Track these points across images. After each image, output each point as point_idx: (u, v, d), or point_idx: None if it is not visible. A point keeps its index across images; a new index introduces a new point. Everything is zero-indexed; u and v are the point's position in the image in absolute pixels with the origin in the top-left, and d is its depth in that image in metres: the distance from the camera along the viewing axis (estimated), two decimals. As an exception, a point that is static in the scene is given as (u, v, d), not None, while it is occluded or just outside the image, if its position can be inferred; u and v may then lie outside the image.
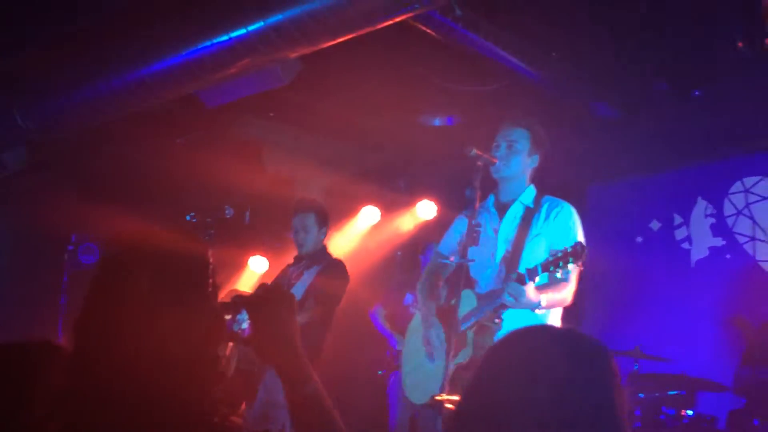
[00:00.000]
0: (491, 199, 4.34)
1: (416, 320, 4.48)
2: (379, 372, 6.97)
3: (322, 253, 5.69)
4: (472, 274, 4.22)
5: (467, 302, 4.01)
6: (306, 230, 5.60)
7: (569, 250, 3.62)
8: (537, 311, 3.83)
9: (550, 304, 3.87)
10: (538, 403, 1.45)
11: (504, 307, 3.85)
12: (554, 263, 3.65)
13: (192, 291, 1.63)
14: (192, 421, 1.55)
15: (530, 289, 3.71)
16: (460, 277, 3.87)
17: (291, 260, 5.76)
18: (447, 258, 4.29)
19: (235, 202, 5.70)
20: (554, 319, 4.07)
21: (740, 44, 4.66)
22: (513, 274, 3.81)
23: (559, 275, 3.72)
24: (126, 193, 6.56)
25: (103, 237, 6.83)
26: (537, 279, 3.71)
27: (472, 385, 1.57)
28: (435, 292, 4.38)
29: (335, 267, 5.61)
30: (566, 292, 3.97)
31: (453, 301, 3.84)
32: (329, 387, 1.73)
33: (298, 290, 5.41)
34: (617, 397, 1.51)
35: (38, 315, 6.51)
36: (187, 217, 5.29)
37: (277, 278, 5.76)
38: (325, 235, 5.72)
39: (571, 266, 3.61)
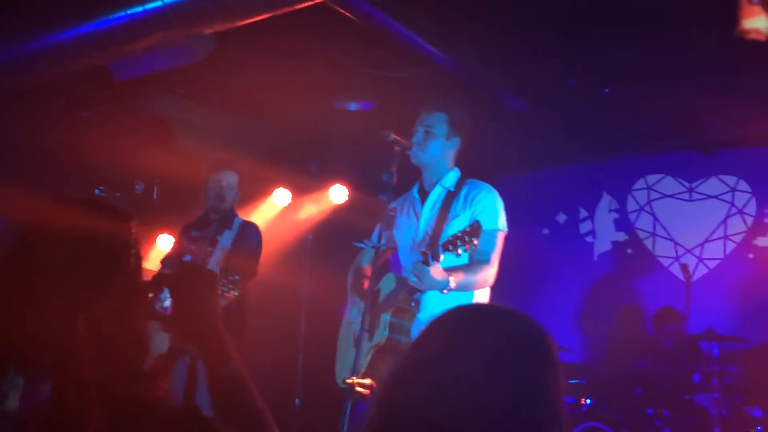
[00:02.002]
0: (416, 185, 4.36)
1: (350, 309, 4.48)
2: None
3: (232, 215, 5.55)
4: (400, 260, 4.24)
5: (389, 285, 4.02)
6: (230, 188, 5.48)
7: (467, 229, 3.64)
8: (447, 291, 3.81)
9: (463, 285, 3.86)
10: (461, 391, 1.42)
11: (417, 289, 3.85)
12: (452, 242, 3.65)
13: (113, 266, 1.57)
14: (111, 395, 1.48)
15: (435, 269, 3.69)
16: (375, 261, 3.88)
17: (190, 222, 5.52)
18: (364, 243, 4.29)
19: (143, 178, 5.55)
20: (480, 300, 4.04)
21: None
22: (420, 255, 3.81)
23: (459, 254, 3.71)
24: (29, 165, 6.31)
25: (5, 211, 6.55)
26: (441, 258, 3.71)
27: (396, 374, 1.53)
28: (359, 282, 4.36)
29: (251, 230, 5.50)
30: (487, 274, 3.96)
31: (377, 287, 3.84)
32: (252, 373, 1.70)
33: (215, 259, 5.28)
34: (551, 379, 1.48)
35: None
36: (96, 191, 5.13)
37: (182, 244, 5.56)
38: (238, 198, 5.62)
39: (468, 245, 3.62)
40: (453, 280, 3.77)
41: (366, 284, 4.20)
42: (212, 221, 5.48)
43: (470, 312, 1.60)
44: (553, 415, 1.45)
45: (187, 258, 5.27)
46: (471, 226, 3.66)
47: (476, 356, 1.46)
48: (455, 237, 3.67)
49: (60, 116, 6.56)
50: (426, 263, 3.69)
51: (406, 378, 1.50)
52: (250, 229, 5.51)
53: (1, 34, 5.34)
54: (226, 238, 5.38)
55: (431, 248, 3.83)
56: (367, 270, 4.37)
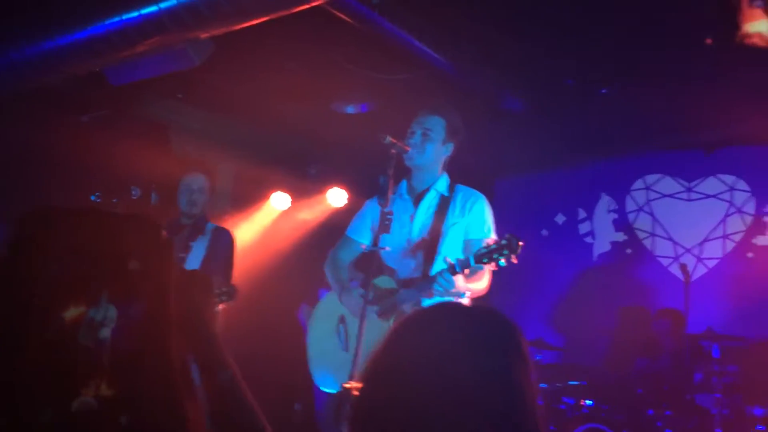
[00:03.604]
0: (404, 185, 4.34)
1: (323, 305, 4.45)
2: None
3: (203, 220, 5.48)
4: (387, 261, 4.21)
5: (385, 286, 4.02)
6: (201, 192, 5.41)
7: (503, 243, 3.64)
8: (461, 299, 3.85)
9: (474, 293, 3.93)
10: (433, 384, 1.41)
11: (427, 296, 3.86)
12: (488, 255, 3.67)
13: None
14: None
15: (459, 279, 3.74)
16: (373, 264, 3.86)
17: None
18: (359, 244, 4.28)
19: (140, 184, 5.53)
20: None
21: (709, 40, 4.72)
22: (443, 263, 3.80)
23: (494, 268, 3.74)
24: (26, 171, 6.30)
25: (8, 215, 6.52)
26: (468, 271, 3.74)
27: (371, 370, 1.53)
28: (346, 273, 4.35)
29: (225, 235, 5.44)
30: (486, 281, 4.02)
31: (367, 288, 3.82)
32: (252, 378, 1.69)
33: (190, 266, 5.17)
34: (523, 374, 1.46)
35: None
36: (92, 197, 5.11)
37: None
38: (208, 200, 5.54)
39: (504, 258, 3.63)
40: (469, 288, 3.85)
41: (349, 281, 4.22)
42: (184, 226, 5.40)
43: (437, 310, 1.59)
44: (525, 410, 1.44)
45: None
46: (508, 240, 3.64)
47: (444, 354, 1.45)
48: (491, 250, 3.66)
49: (57, 122, 6.56)
50: (454, 273, 3.71)
51: (376, 378, 1.51)
52: (224, 234, 5.45)
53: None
54: (200, 244, 5.33)
55: (428, 252, 3.85)
56: (349, 267, 4.38)
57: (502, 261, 3.64)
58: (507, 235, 3.67)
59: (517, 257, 3.63)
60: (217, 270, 5.22)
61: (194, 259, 5.24)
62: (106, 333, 1.48)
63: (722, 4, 3.94)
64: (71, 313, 1.45)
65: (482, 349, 1.46)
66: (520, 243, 3.63)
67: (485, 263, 3.68)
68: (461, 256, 3.87)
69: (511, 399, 1.43)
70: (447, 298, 3.83)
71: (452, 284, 3.72)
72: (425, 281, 3.88)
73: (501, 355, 1.46)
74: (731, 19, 3.87)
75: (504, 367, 1.45)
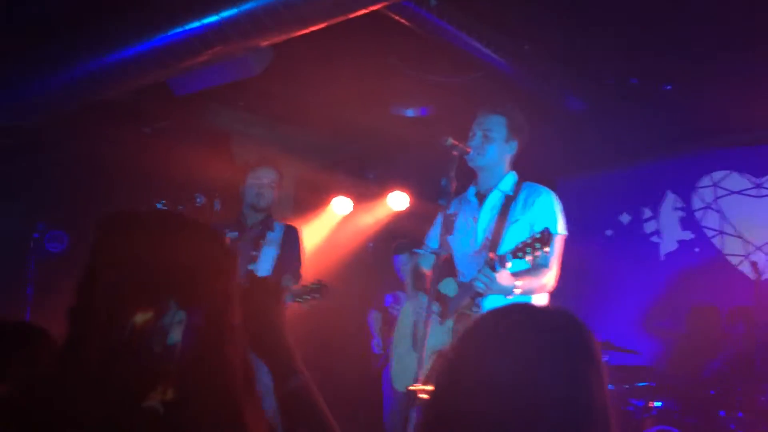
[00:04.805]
0: (472, 189, 4.32)
1: (406, 309, 4.47)
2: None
3: (271, 218, 5.39)
4: (456, 264, 4.21)
5: (450, 291, 4.00)
6: (271, 185, 5.33)
7: (537, 236, 3.61)
8: (512, 296, 3.80)
9: (527, 289, 3.86)
10: (503, 390, 1.38)
11: (480, 294, 3.83)
12: (522, 249, 3.65)
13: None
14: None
15: (503, 275, 3.70)
16: (439, 267, 3.85)
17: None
18: (424, 249, 4.28)
19: (204, 191, 5.59)
20: (539, 303, 4.03)
21: None
22: (487, 260, 3.78)
23: (528, 261, 3.71)
24: (93, 181, 6.45)
25: (71, 225, 6.68)
26: (508, 265, 3.70)
27: (443, 373, 1.51)
28: (420, 282, 4.36)
29: (295, 233, 5.39)
30: (546, 278, 3.96)
31: (433, 291, 3.82)
32: (320, 381, 1.70)
33: (263, 266, 5.16)
34: (593, 377, 1.42)
35: (2, 306, 6.37)
36: (158, 205, 5.18)
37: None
38: (276, 198, 5.46)
39: (539, 252, 3.60)
40: (520, 284, 3.77)
41: (422, 286, 4.21)
42: (251, 223, 5.32)
43: (506, 314, 1.55)
44: (596, 415, 1.40)
45: None
46: (542, 233, 3.61)
47: (514, 360, 1.42)
48: (525, 244, 3.64)
49: (122, 133, 6.69)
50: (493, 269, 3.68)
51: (448, 385, 1.49)
52: (294, 232, 5.40)
53: (63, 56, 5.45)
54: (272, 241, 5.26)
55: (492, 253, 3.81)
56: (428, 273, 4.37)
57: (538, 254, 3.61)
58: (543, 229, 3.64)
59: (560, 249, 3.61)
60: (292, 268, 5.20)
61: (267, 257, 5.20)
62: (174, 338, 1.50)
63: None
64: (140, 318, 1.47)
65: (554, 354, 1.42)
66: (551, 234, 3.61)
67: (520, 257, 3.64)
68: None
69: (582, 407, 1.40)
70: (500, 296, 3.80)
71: (493, 280, 3.67)
72: (472, 280, 3.86)
73: (572, 360, 1.43)
74: None
75: (576, 373, 1.41)
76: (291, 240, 5.34)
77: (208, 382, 1.49)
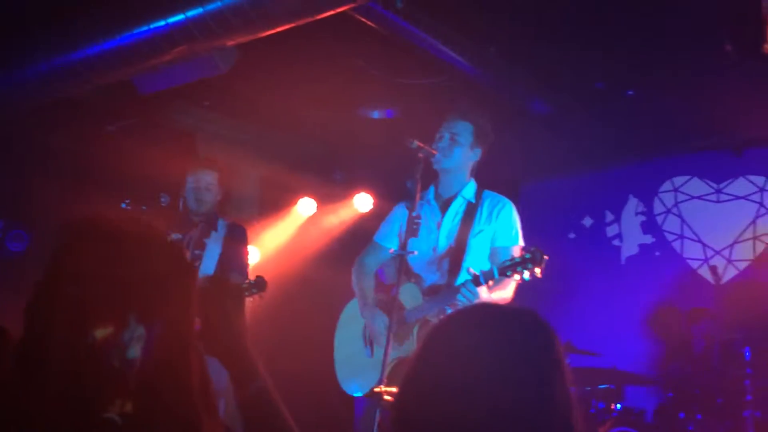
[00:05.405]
0: (431, 191, 4.34)
1: (349, 308, 4.45)
2: None
3: (215, 216, 5.43)
4: (413, 267, 4.21)
5: (410, 296, 4.01)
6: (209, 189, 5.36)
7: (528, 256, 3.63)
8: None
9: (499, 301, 3.90)
10: (468, 391, 1.39)
11: (454, 305, 3.85)
12: (512, 267, 3.66)
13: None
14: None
15: (483, 289, 3.74)
16: (401, 269, 3.86)
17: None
18: (386, 249, 4.29)
19: (169, 191, 5.56)
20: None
21: (728, 47, 4.69)
22: (467, 274, 3.79)
23: (517, 281, 3.75)
24: (56, 180, 6.36)
25: (32, 223, 6.59)
26: (491, 283, 3.74)
27: (408, 374, 1.52)
28: (372, 281, 4.36)
29: (239, 231, 5.40)
30: (510, 290, 4.01)
31: (393, 293, 3.83)
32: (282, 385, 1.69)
33: (208, 264, 5.16)
34: (559, 382, 1.43)
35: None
36: (122, 205, 5.14)
37: None
38: (219, 198, 5.48)
39: (527, 272, 3.62)
40: (492, 298, 3.83)
41: (384, 290, 4.21)
42: (194, 223, 5.35)
43: (472, 314, 1.57)
44: (560, 416, 1.41)
45: None
46: (532, 254, 3.63)
47: (479, 361, 1.43)
48: (515, 263, 3.66)
49: (86, 131, 6.62)
50: (477, 284, 3.70)
51: (413, 388, 1.49)
52: (239, 230, 5.42)
53: (26, 52, 5.39)
54: (215, 241, 5.28)
55: (453, 259, 3.85)
56: (375, 273, 4.39)
57: (527, 274, 3.63)
58: (532, 248, 3.66)
59: (542, 271, 3.61)
60: (236, 267, 5.21)
61: (210, 256, 5.22)
62: (134, 353, 1.50)
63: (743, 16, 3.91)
64: (100, 333, 1.47)
65: (518, 355, 1.44)
66: (545, 257, 3.62)
67: (509, 276, 3.67)
68: (487, 264, 3.87)
69: (546, 407, 1.41)
70: None
71: (476, 295, 3.72)
72: (449, 291, 3.88)
73: (536, 360, 1.44)
74: (756, 31, 3.84)
75: (540, 373, 1.43)
76: (235, 238, 5.35)
77: (167, 394, 1.49)
